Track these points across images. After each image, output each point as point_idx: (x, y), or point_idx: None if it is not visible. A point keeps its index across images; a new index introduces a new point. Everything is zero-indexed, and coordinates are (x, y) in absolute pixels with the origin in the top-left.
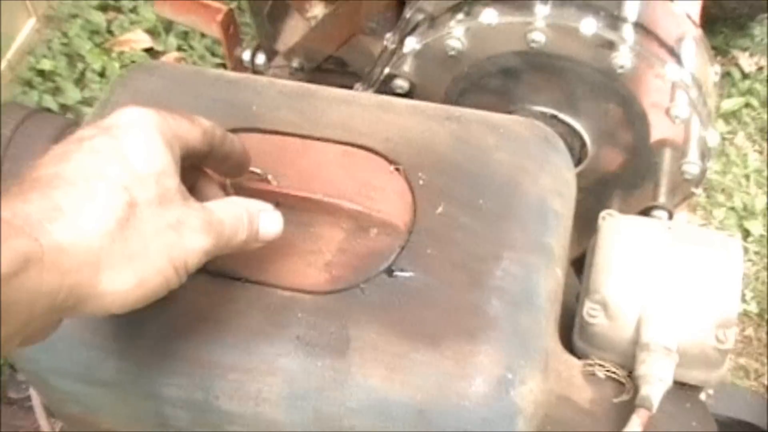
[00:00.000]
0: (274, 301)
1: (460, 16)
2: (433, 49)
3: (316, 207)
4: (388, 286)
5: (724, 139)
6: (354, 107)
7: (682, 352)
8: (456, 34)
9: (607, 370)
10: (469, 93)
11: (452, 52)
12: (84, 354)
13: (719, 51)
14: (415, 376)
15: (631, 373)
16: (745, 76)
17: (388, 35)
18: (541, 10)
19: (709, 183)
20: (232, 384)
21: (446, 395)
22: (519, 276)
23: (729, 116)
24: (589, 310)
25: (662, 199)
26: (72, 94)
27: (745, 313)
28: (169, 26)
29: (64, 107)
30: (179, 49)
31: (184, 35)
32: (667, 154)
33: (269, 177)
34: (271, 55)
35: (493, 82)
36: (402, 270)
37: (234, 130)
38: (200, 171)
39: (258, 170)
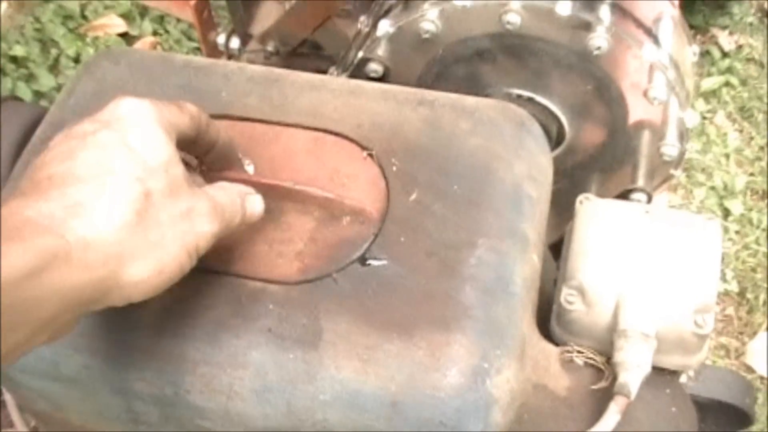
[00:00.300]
0: (244, 292)
1: None
2: (406, 32)
3: (286, 195)
4: (361, 276)
5: (703, 118)
6: (325, 93)
7: (661, 337)
8: (430, 17)
9: (586, 357)
10: (443, 76)
11: (426, 35)
12: (50, 350)
13: (698, 29)
14: (388, 368)
15: (609, 360)
16: (724, 54)
17: (362, 18)
18: None
19: (689, 162)
20: (203, 378)
21: (420, 386)
22: (493, 263)
23: (709, 95)
24: (567, 296)
25: (641, 181)
26: (46, 81)
27: (726, 293)
28: (144, 11)
29: (39, 94)
30: (155, 33)
31: (160, 20)
32: (646, 137)
33: (246, 163)
34: (245, 39)
35: (468, 65)
36: (375, 258)
37: None
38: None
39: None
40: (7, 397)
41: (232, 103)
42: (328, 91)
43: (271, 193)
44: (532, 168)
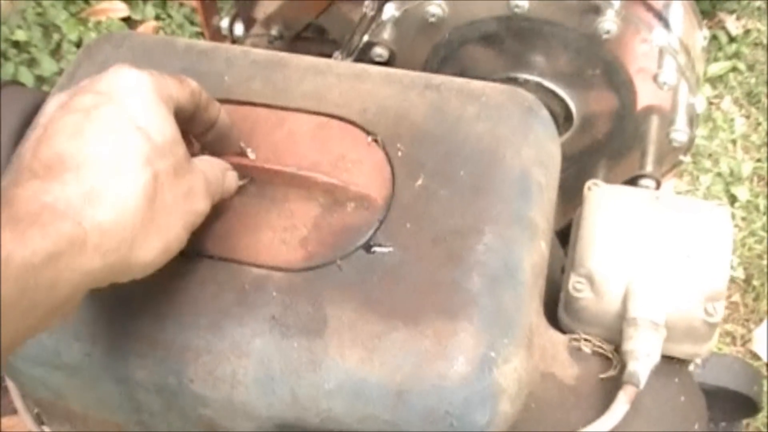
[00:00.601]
0: (247, 279)
1: None
2: (412, 15)
3: (290, 181)
4: (366, 263)
5: (710, 103)
6: (329, 77)
7: (670, 326)
8: (436, 0)
9: (594, 345)
10: (449, 61)
11: (432, 19)
12: (51, 338)
13: (706, 14)
14: (393, 357)
15: (618, 348)
16: (732, 39)
17: (368, 2)
18: None
19: (695, 148)
20: (206, 367)
21: (426, 376)
22: (500, 250)
23: (716, 80)
24: (575, 284)
25: (650, 167)
26: (48, 66)
27: (732, 280)
28: None
29: (41, 79)
30: (157, 18)
31: (162, 4)
32: (655, 122)
33: (248, 150)
34: (249, 23)
35: (474, 49)
36: (380, 245)
37: None
38: None
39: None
40: (10, 383)
41: (234, 87)
42: (332, 76)
43: (274, 179)
44: (540, 153)
